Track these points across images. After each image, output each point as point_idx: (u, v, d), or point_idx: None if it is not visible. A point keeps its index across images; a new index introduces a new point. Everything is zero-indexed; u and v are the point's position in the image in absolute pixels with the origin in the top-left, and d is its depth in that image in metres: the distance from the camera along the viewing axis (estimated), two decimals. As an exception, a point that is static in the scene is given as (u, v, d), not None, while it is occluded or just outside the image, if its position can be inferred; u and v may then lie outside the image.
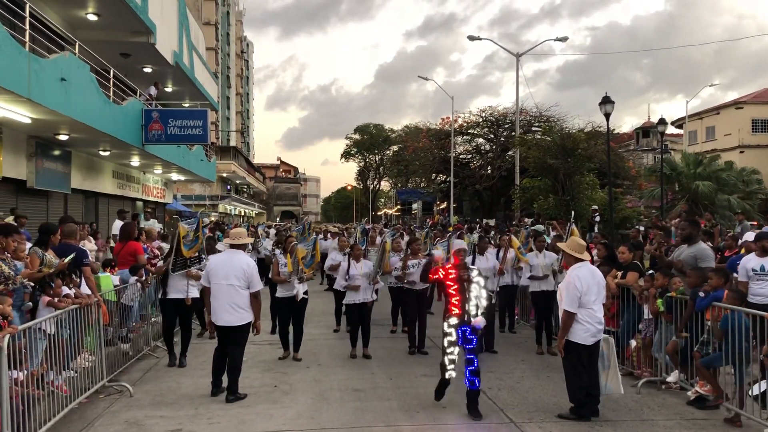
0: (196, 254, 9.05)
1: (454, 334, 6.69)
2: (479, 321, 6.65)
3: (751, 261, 8.03)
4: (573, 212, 11.46)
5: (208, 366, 7.68)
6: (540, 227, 15.83)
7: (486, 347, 9.43)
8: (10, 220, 11.13)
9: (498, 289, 10.65)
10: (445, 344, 6.76)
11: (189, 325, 9.27)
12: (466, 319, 6.67)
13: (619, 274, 8.54)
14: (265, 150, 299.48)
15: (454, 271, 6.84)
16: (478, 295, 6.73)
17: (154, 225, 16.88)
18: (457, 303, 6.73)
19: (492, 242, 12.43)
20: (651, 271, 8.37)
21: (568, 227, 10.41)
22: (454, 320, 6.70)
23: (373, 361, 9.17)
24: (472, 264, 9.65)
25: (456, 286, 6.76)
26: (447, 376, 6.77)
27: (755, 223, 18.67)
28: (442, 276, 6.87)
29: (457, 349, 6.69)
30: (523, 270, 10.55)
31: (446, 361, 6.74)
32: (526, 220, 20.99)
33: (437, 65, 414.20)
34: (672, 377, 7.62)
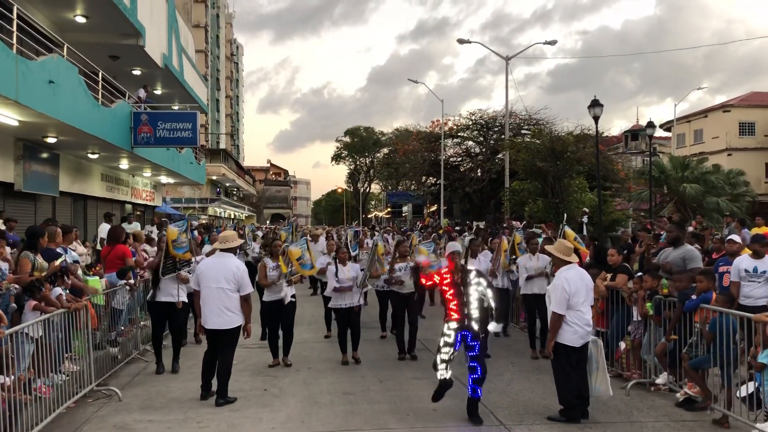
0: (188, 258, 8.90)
1: (452, 336, 6.60)
2: (493, 328, 6.77)
3: (744, 262, 7.92)
4: (565, 215, 11.36)
5: (198, 370, 7.65)
6: (537, 230, 15.81)
7: None
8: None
9: None
10: (441, 343, 6.66)
11: (179, 329, 9.06)
12: (466, 323, 6.57)
13: (609, 276, 8.58)
14: (256, 153, 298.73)
15: (448, 275, 6.72)
16: (483, 296, 6.59)
17: (137, 228, 16.75)
18: (455, 308, 6.60)
19: (482, 245, 12.28)
20: (640, 273, 8.41)
21: (561, 229, 10.36)
22: (454, 324, 6.59)
23: (363, 365, 9.15)
24: None
25: (452, 291, 6.65)
26: (439, 375, 6.67)
27: (728, 220, 18.79)
28: (437, 281, 6.78)
29: (451, 351, 6.62)
30: (519, 273, 10.33)
31: (438, 360, 6.65)
32: (514, 223, 20.98)
33: (430, 69, 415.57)
34: (661, 379, 7.66)
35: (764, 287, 7.69)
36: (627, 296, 8.13)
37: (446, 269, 6.82)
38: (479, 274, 6.79)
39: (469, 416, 6.58)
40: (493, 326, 6.82)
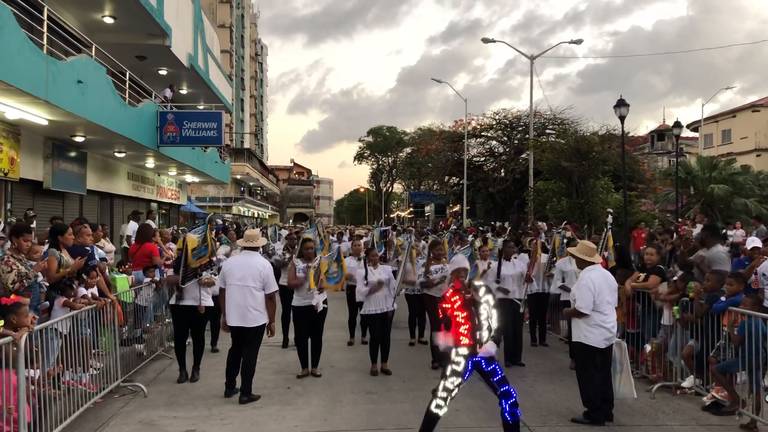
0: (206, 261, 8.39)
1: (462, 364, 5.75)
2: (489, 348, 5.82)
3: (763, 266, 7.97)
4: (609, 217, 10.72)
5: (222, 367, 7.72)
6: (561, 231, 15.47)
7: (513, 360, 9.00)
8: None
9: (526, 297, 9.65)
10: (448, 372, 5.76)
11: (202, 335, 8.59)
12: (478, 348, 5.79)
13: (642, 276, 8.44)
14: (283, 152, 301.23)
15: (457, 297, 5.91)
16: (489, 316, 5.86)
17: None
18: (465, 332, 5.79)
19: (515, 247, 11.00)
20: (675, 278, 8.23)
21: (605, 233, 9.97)
22: (464, 350, 5.78)
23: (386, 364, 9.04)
24: (498, 271, 9.26)
25: (465, 314, 5.83)
26: (433, 406, 5.70)
27: (754, 222, 18.44)
28: (448, 308, 5.91)
29: (459, 381, 5.75)
30: (555, 277, 9.86)
31: (439, 388, 5.72)
32: (539, 223, 20.75)
33: (461, 70, 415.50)
34: (687, 382, 7.55)
35: None
36: (654, 298, 8.00)
37: (452, 290, 6.04)
38: (488, 290, 6.12)
39: None
40: (492, 347, 5.89)
